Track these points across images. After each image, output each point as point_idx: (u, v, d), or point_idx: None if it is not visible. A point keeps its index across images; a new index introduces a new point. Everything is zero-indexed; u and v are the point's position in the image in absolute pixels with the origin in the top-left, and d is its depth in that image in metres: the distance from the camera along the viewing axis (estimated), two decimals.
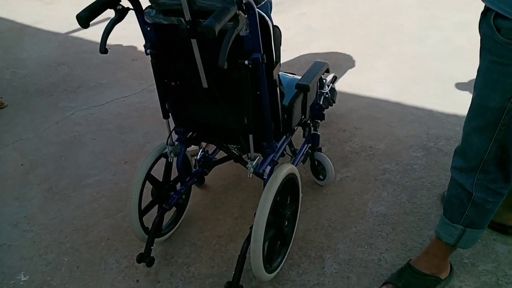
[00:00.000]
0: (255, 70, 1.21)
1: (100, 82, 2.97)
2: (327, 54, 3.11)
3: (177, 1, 1.17)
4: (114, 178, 2.06)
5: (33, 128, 2.50)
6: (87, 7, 1.15)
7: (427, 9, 3.70)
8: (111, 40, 1.25)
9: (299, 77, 1.57)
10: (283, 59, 3.07)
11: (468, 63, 2.75)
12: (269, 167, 1.44)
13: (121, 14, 1.23)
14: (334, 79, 2.03)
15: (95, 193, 1.98)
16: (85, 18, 1.14)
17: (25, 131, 2.47)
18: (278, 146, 1.52)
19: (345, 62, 2.98)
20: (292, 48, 3.21)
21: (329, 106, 1.90)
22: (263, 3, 1.14)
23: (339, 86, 2.67)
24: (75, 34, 3.71)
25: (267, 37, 1.20)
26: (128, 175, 2.07)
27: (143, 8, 1.28)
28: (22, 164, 2.21)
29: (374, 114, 2.41)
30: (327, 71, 1.68)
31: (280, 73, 1.75)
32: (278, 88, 1.33)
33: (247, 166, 1.41)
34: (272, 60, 1.24)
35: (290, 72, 1.91)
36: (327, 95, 1.87)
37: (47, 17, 4.04)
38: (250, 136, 1.34)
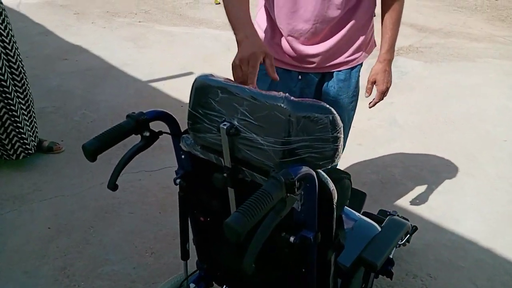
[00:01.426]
0: (302, 248, 0.90)
1: (161, 143, 2.83)
2: (408, 159, 2.70)
3: (218, 141, 0.92)
4: (133, 273, 1.83)
5: (77, 184, 2.39)
6: (99, 135, 0.93)
7: None
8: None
9: (370, 222, 1.22)
10: (357, 155, 2.73)
11: None
12: None
13: (148, 140, 1.00)
14: (414, 230, 1.64)
15: None
16: (92, 151, 0.91)
17: (68, 186, 2.37)
18: None
19: (428, 175, 2.54)
20: (369, 143, 2.86)
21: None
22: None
23: (419, 208, 2.25)
24: (153, 84, 3.70)
25: (328, 210, 0.89)
26: (149, 273, 1.82)
27: (182, 131, 1.06)
28: (49, 228, 2.08)
29: (456, 260, 1.94)
30: (406, 233, 1.30)
31: (348, 208, 1.41)
32: (332, 263, 0.99)
33: None
34: (330, 238, 0.92)
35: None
36: (400, 245, 1.49)
37: (134, 61, 4.13)
38: None
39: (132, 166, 2.55)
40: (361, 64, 1.54)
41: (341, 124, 0.84)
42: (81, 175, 2.47)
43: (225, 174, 0.94)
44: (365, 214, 1.64)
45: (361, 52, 1.50)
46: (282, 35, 1.44)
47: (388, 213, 1.59)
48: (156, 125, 1.05)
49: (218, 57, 4.19)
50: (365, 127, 3.02)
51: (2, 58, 2.18)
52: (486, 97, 3.55)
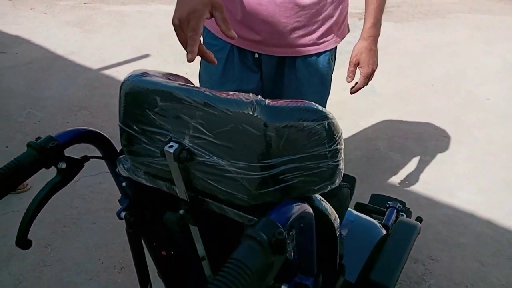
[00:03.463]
0: None
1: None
2: (391, 130, 2.52)
3: (165, 167, 0.65)
4: None
5: (26, 197, 2.08)
6: None
7: None
8: None
9: (369, 220, 1.01)
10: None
11: None
12: None
13: (67, 173, 0.72)
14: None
15: None
16: None
17: (16, 200, 2.06)
18: None
19: (416, 147, 2.37)
20: (348, 115, 2.66)
21: None
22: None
23: (410, 183, 2.08)
24: (106, 72, 3.35)
25: (331, 246, 0.66)
26: None
27: (117, 151, 0.79)
28: None
29: (457, 237, 1.78)
30: None
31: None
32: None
33: None
34: (336, 278, 0.69)
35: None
36: None
37: (82, 47, 3.73)
38: None
39: (90, 167, 2.26)
40: (330, 51, 1.25)
41: (340, 131, 0.60)
42: (32, 185, 2.16)
43: (181, 212, 0.68)
44: (358, 206, 1.44)
45: (332, 35, 1.22)
46: None
47: (387, 205, 1.39)
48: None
49: (175, 35, 3.85)
50: (342, 99, 2.79)
51: None
52: (462, 55, 3.42)
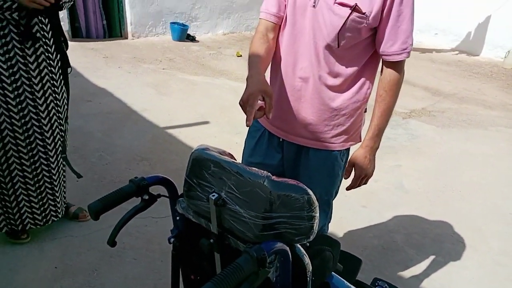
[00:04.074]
0: None
1: None
2: (412, 226, 2.71)
3: (207, 209, 1.01)
4: None
5: (85, 226, 2.48)
6: (103, 198, 1.03)
7: None
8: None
9: None
10: (361, 217, 2.77)
11: None
12: None
13: (147, 203, 1.10)
14: None
15: None
16: (96, 212, 1.01)
17: (77, 227, 2.46)
18: None
19: (432, 246, 2.55)
20: (374, 205, 2.90)
21: None
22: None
23: (418, 278, 2.24)
24: (170, 131, 3.86)
25: (303, 282, 0.96)
26: None
27: (179, 194, 1.16)
28: (56, 267, 2.15)
29: None
30: None
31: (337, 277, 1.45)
32: None
33: None
34: None
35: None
36: None
37: (154, 106, 4.33)
38: None
39: (141, 213, 2.64)
40: (340, 152, 1.55)
41: (316, 204, 0.93)
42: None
43: (211, 240, 1.02)
44: (357, 283, 1.66)
45: (341, 140, 1.52)
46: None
47: (376, 283, 1.61)
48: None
49: (234, 109, 4.36)
50: (371, 189, 3.06)
51: (54, 116, 2.08)
52: (495, 168, 3.58)
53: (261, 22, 1.46)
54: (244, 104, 1.20)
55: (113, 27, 6.81)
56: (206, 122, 4.08)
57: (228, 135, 3.83)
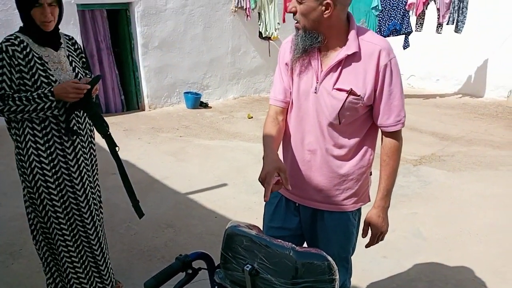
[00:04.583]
0: None
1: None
2: (433, 273, 2.77)
3: (243, 279, 1.18)
4: None
5: None
6: (156, 275, 1.21)
7: None
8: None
9: None
10: (382, 268, 2.84)
11: None
12: None
13: (191, 276, 1.27)
14: None
15: None
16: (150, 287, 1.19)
17: None
18: None
19: None
20: (394, 255, 2.97)
21: None
22: None
23: None
24: (191, 196, 4.06)
25: None
26: None
27: (216, 265, 1.32)
28: None
29: None
30: None
31: None
32: None
33: None
34: None
35: None
36: None
37: (174, 174, 4.57)
38: None
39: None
40: (352, 212, 1.72)
41: (335, 268, 1.09)
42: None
43: None
44: None
45: (351, 201, 1.69)
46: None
47: None
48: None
49: (250, 169, 4.57)
50: (389, 239, 3.13)
51: (89, 195, 2.24)
52: (509, 207, 3.65)
53: (271, 108, 1.72)
54: (263, 181, 1.43)
55: (130, 101, 7.27)
56: (224, 184, 4.27)
57: (246, 196, 4.00)
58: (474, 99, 7.89)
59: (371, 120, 1.62)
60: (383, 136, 1.64)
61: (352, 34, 1.51)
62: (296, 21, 1.54)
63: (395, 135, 1.61)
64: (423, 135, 5.77)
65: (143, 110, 7.17)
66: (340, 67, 1.52)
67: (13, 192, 4.01)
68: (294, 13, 1.51)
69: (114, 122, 6.33)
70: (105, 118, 2.23)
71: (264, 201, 1.43)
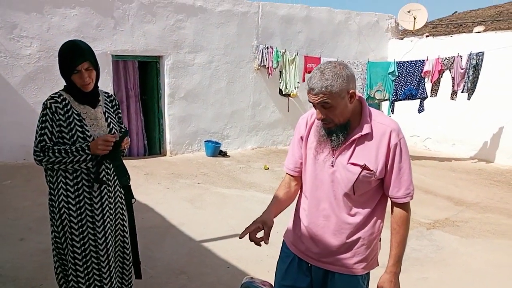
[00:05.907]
0: None
1: None
2: None
3: None
4: None
5: None
6: None
7: None
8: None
9: None
10: None
11: None
12: None
13: None
14: None
15: None
16: None
17: None
18: None
19: None
20: None
21: None
22: None
23: None
24: (205, 244, 4.15)
25: None
26: None
27: None
28: None
29: None
30: None
31: None
32: None
33: None
34: None
35: None
36: None
37: (190, 220, 4.69)
38: None
39: None
40: (362, 276, 1.81)
41: None
42: None
43: None
44: None
45: (361, 266, 1.80)
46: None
47: None
48: None
49: None
50: None
51: (110, 244, 2.32)
52: None
53: (286, 175, 1.94)
54: (251, 231, 1.70)
55: (153, 146, 7.57)
56: (238, 234, 4.34)
57: (258, 248, 4.04)
58: (490, 165, 7.92)
59: (381, 191, 1.78)
60: (393, 206, 1.78)
61: (365, 115, 1.71)
62: (325, 122, 1.69)
63: (405, 207, 1.75)
64: (438, 199, 5.80)
65: (165, 155, 7.43)
66: (354, 145, 1.71)
67: (37, 227, 4.18)
68: (323, 119, 1.68)
69: (136, 166, 6.58)
70: (127, 161, 2.40)
71: (239, 238, 1.73)
